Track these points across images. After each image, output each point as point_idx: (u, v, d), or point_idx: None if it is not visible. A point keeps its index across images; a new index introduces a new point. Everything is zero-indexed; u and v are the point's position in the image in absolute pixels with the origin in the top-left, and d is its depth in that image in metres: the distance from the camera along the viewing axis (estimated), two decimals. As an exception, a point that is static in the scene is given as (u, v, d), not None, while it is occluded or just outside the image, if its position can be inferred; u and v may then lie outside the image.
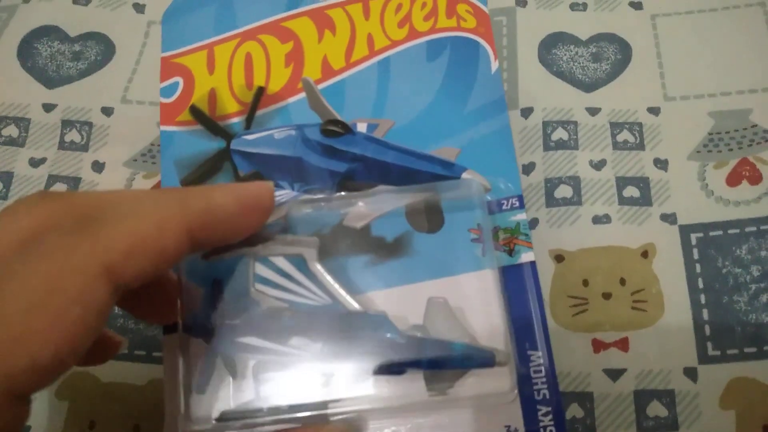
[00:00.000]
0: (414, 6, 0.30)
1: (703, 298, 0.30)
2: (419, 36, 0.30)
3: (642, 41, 0.37)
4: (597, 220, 0.32)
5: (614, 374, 0.29)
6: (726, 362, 0.29)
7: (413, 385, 0.23)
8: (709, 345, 0.29)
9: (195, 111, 0.29)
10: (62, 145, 0.36)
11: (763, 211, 0.31)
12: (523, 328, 0.24)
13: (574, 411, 0.29)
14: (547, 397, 0.24)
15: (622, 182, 0.33)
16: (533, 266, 0.25)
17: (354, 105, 0.28)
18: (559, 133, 0.35)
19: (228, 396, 0.23)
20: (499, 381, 0.23)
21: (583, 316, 0.30)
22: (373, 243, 0.25)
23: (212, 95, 0.29)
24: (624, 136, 0.34)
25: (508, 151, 0.27)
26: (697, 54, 0.36)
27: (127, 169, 0.36)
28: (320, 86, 0.29)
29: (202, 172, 0.28)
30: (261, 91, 0.29)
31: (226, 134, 0.28)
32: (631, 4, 0.38)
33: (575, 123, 0.35)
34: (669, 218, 0.32)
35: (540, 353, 0.24)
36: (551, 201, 0.33)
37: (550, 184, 0.33)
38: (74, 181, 0.35)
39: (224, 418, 0.23)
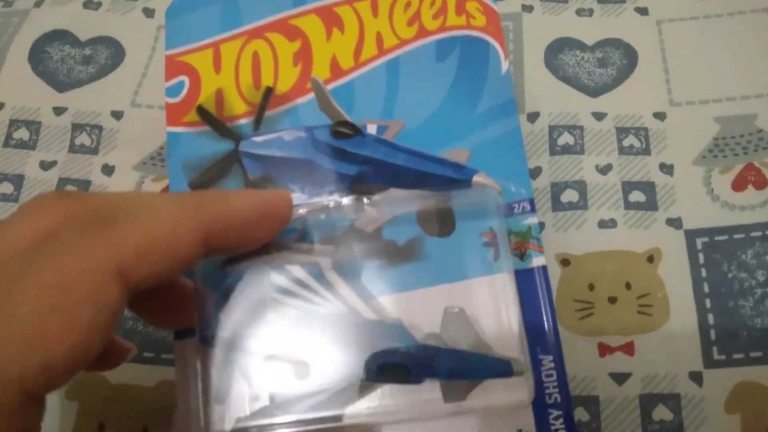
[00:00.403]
0: (423, 3, 0.30)
1: (708, 303, 0.30)
2: (429, 35, 0.29)
3: (648, 47, 0.37)
4: (603, 224, 0.32)
5: (620, 378, 0.29)
6: (731, 367, 0.29)
7: (430, 394, 0.23)
8: (715, 349, 0.29)
9: (202, 112, 0.28)
10: (72, 149, 0.37)
11: (768, 216, 0.32)
12: (534, 332, 0.24)
13: (580, 414, 0.29)
14: (559, 401, 0.24)
15: (627, 187, 0.33)
16: (544, 270, 0.25)
17: (363, 106, 0.28)
18: (565, 138, 0.35)
19: (244, 405, 0.23)
20: (517, 391, 0.23)
21: (589, 320, 0.30)
22: (384, 247, 0.25)
23: (219, 95, 0.28)
24: (630, 140, 0.34)
25: (519, 154, 0.27)
26: (703, 59, 0.36)
27: (137, 173, 0.36)
28: (329, 86, 0.28)
29: (210, 175, 0.27)
30: (269, 91, 0.28)
31: (235, 136, 0.28)
32: (637, 10, 0.38)
33: (581, 128, 0.35)
34: (675, 223, 0.32)
35: (551, 357, 0.24)
36: (557, 205, 0.33)
37: (556, 189, 0.33)
38: (84, 184, 0.36)
39: (242, 427, 0.23)
